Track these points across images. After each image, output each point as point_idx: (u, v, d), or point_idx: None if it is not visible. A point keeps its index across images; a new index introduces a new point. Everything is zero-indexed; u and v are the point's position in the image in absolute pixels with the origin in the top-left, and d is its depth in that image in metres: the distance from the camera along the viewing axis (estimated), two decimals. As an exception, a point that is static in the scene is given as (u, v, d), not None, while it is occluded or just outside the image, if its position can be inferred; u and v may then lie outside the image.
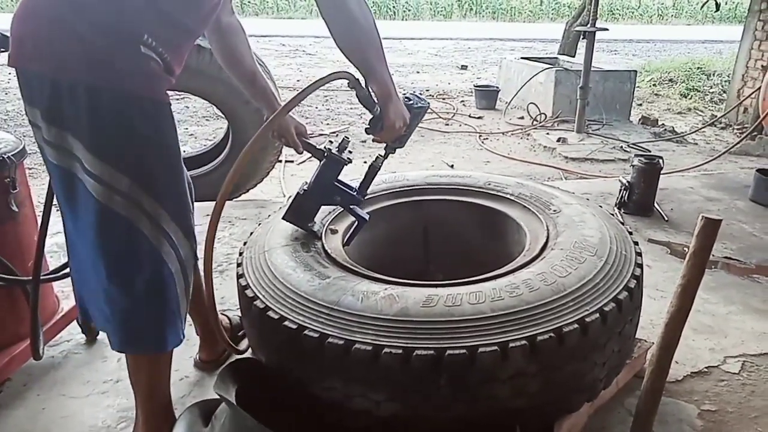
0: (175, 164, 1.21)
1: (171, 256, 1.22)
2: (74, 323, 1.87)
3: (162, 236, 1.19)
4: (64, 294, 1.87)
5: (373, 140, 1.47)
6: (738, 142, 4.50)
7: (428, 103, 1.58)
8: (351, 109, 6.37)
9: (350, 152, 1.54)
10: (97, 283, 1.21)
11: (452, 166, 4.38)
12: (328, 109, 6.32)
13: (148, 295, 1.21)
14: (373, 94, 1.36)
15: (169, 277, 1.23)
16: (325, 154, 1.50)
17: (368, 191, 1.83)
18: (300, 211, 1.55)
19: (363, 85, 1.35)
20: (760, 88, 5.06)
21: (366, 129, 1.46)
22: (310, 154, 1.56)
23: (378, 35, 1.31)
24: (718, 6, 6.35)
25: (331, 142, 1.53)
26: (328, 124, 5.71)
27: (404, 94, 1.48)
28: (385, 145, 1.52)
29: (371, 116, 1.42)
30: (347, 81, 1.33)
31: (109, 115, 1.09)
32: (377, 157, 1.55)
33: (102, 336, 1.93)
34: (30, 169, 3.93)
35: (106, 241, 1.17)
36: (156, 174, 1.17)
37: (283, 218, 1.56)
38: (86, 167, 1.11)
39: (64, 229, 1.26)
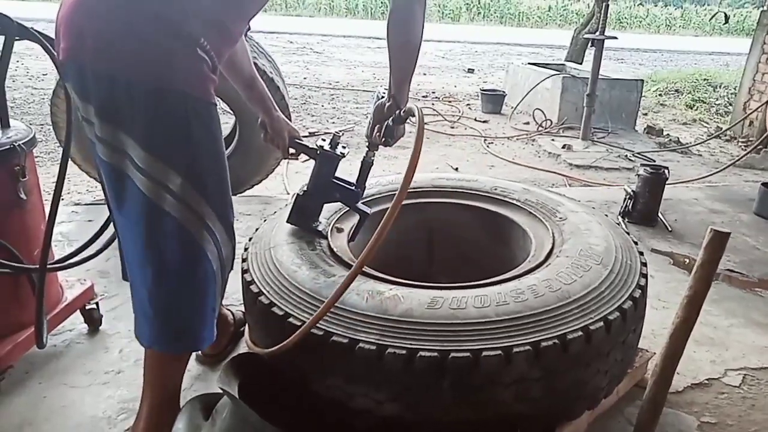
0: (222, 164, 1.23)
1: (214, 255, 1.22)
2: (77, 313, 1.87)
3: (208, 235, 1.20)
4: (68, 283, 1.88)
5: (373, 144, 1.52)
6: (743, 156, 4.50)
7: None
8: (357, 108, 6.38)
9: (344, 147, 1.56)
10: (142, 280, 1.22)
11: (457, 169, 4.38)
12: (334, 108, 6.32)
13: (191, 293, 1.22)
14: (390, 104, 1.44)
15: (211, 276, 1.23)
16: (318, 152, 1.51)
17: (375, 192, 1.84)
18: (302, 212, 1.56)
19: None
20: (766, 102, 5.06)
21: (385, 142, 1.49)
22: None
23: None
24: (727, 18, 6.36)
25: (323, 140, 1.54)
26: (333, 122, 5.71)
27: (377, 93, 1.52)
28: (368, 143, 1.55)
29: (386, 127, 1.47)
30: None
31: (165, 115, 1.11)
32: (366, 152, 1.56)
33: (104, 327, 1.93)
34: (36, 158, 3.93)
35: (154, 238, 1.17)
36: (206, 173, 1.18)
37: (287, 221, 1.57)
38: (138, 164, 1.11)
39: (114, 226, 1.29)
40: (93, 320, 1.90)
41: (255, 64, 2.74)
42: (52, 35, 1.55)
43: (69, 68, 1.12)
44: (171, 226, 1.15)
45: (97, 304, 1.92)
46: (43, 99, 5.50)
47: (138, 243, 1.18)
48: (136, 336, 1.30)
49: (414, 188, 1.94)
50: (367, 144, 1.54)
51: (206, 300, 1.24)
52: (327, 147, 1.52)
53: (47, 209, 1.58)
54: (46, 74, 6.57)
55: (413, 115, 1.35)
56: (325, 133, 5.16)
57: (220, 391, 1.28)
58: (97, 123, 1.12)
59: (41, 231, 1.61)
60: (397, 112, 1.44)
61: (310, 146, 1.54)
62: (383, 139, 1.49)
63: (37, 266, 1.54)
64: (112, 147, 1.13)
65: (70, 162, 2.88)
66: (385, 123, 1.47)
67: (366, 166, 1.57)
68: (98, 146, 1.15)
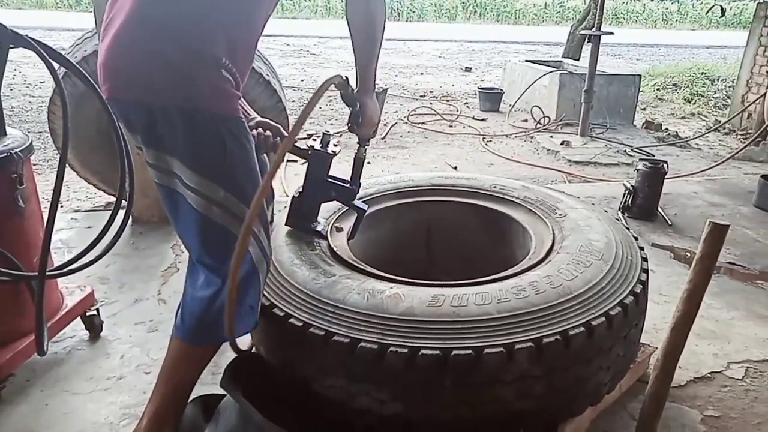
0: (256, 172, 1.31)
1: (258, 257, 1.29)
2: (78, 319, 1.87)
3: (253, 238, 1.27)
4: (68, 290, 1.87)
5: (352, 131, 1.51)
6: (742, 148, 4.49)
7: (387, 87, 1.59)
8: (355, 109, 6.38)
9: (335, 145, 1.55)
10: (194, 281, 1.30)
11: (456, 168, 4.38)
12: (332, 110, 6.32)
13: (239, 293, 1.26)
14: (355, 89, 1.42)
15: (254, 276, 1.29)
16: (309, 152, 1.51)
17: (374, 191, 1.84)
18: (299, 213, 1.56)
19: (348, 84, 1.39)
20: (764, 94, 5.05)
21: (348, 126, 1.49)
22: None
23: (385, 30, 1.39)
24: (723, 11, 6.35)
25: (314, 140, 1.54)
26: (331, 124, 5.71)
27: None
28: (358, 138, 1.54)
29: (350, 112, 1.46)
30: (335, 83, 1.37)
31: (202, 134, 1.19)
32: (358, 148, 1.56)
33: (105, 333, 1.93)
34: (34, 165, 3.93)
35: (207, 247, 1.27)
36: (244, 183, 1.26)
37: (285, 224, 1.57)
38: (186, 182, 1.21)
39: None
40: (94, 326, 1.90)
41: (252, 67, 2.76)
42: (49, 43, 1.56)
43: (113, 106, 1.24)
44: (221, 233, 1.24)
45: (97, 310, 1.92)
46: (41, 107, 5.50)
47: (196, 251, 1.29)
48: (174, 332, 1.34)
49: (413, 187, 1.94)
50: (357, 140, 1.54)
51: (246, 298, 1.29)
52: (318, 146, 1.52)
53: (46, 216, 1.58)
54: (43, 82, 6.57)
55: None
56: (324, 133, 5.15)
57: (220, 393, 1.28)
58: (145, 150, 1.23)
59: (40, 238, 1.60)
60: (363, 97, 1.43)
61: (302, 147, 1.53)
62: (349, 126, 1.49)
63: (36, 273, 1.54)
64: (161, 169, 1.23)
65: (68, 169, 2.89)
66: (351, 110, 1.46)
67: (359, 162, 1.57)
68: (150, 170, 1.25)
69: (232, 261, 1.24)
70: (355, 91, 1.43)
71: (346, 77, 1.36)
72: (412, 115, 6.02)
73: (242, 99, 1.57)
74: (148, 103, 1.17)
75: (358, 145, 1.54)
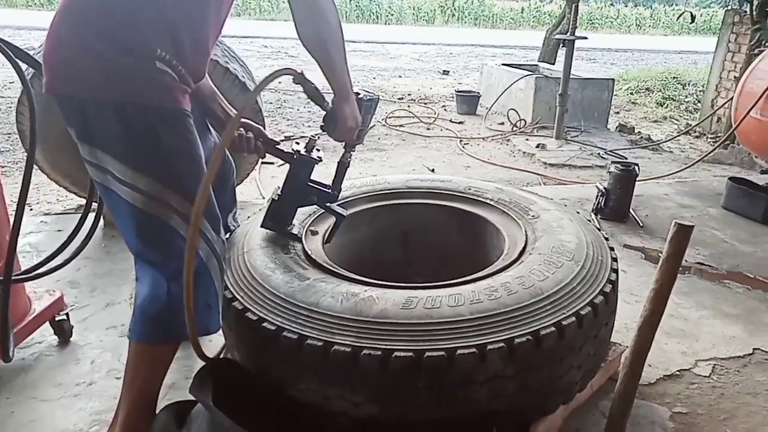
0: (199, 164, 1.27)
1: (205, 251, 1.27)
2: (46, 325, 1.83)
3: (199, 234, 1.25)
4: (36, 295, 1.83)
5: (327, 132, 1.46)
6: (711, 151, 4.61)
7: (378, 96, 1.56)
8: (333, 111, 6.35)
9: (318, 150, 1.54)
10: (142, 279, 1.29)
11: (433, 170, 4.40)
12: (310, 111, 6.29)
13: (183, 289, 1.24)
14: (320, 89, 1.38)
15: (204, 272, 1.27)
16: (294, 157, 1.50)
17: (350, 194, 1.84)
18: (276, 216, 1.55)
19: (308, 79, 1.35)
20: (732, 98, 5.19)
21: (321, 126, 1.45)
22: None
23: (342, 34, 1.33)
24: (693, 18, 6.51)
25: (297, 143, 1.53)
26: (309, 126, 5.69)
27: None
28: (344, 144, 1.51)
29: (324, 113, 1.42)
30: (292, 77, 1.33)
31: (135, 126, 1.18)
32: (343, 153, 1.54)
33: (75, 338, 1.89)
34: (2, 167, 3.84)
35: (147, 242, 1.25)
36: (183, 176, 1.24)
37: (262, 226, 1.56)
38: (119, 177, 1.20)
39: None
40: (63, 331, 1.86)
41: (227, 69, 2.73)
42: (19, 43, 1.52)
43: (53, 100, 1.20)
44: (160, 228, 1.23)
45: (67, 314, 1.88)
46: (10, 108, 5.36)
47: (135, 247, 1.27)
48: (128, 334, 1.31)
49: (389, 190, 1.94)
50: (344, 146, 1.53)
51: (197, 297, 1.26)
52: (303, 151, 1.50)
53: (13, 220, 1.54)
54: (12, 82, 6.41)
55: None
56: (301, 137, 5.14)
57: (194, 399, 1.26)
58: (79, 145, 1.21)
59: (6, 241, 1.56)
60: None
61: (286, 151, 1.52)
62: (322, 126, 1.45)
63: (1, 277, 1.50)
64: (94, 165, 1.21)
65: (39, 171, 2.82)
66: (326, 111, 1.43)
67: (342, 167, 1.55)
68: (87, 167, 1.23)
69: (185, 261, 1.19)
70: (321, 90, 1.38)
71: (301, 72, 1.32)
72: (389, 117, 6.03)
73: (221, 98, 1.54)
74: (81, 97, 1.17)
75: (344, 151, 1.53)
